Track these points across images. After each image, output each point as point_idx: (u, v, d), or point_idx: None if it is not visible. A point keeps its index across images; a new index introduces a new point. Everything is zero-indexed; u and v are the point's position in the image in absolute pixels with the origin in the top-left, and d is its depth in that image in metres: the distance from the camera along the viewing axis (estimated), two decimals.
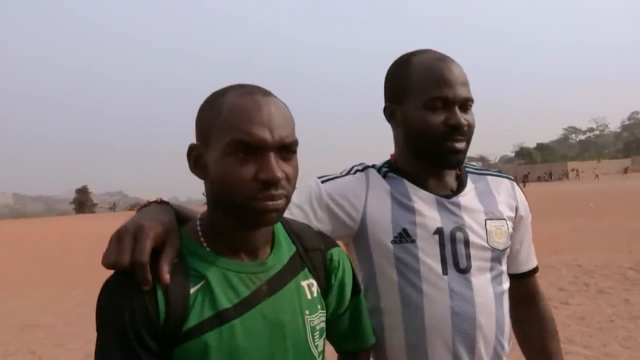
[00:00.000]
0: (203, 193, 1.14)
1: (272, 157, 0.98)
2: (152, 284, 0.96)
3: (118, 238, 0.98)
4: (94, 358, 0.96)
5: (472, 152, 1.43)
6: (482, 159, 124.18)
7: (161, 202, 1.11)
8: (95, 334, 0.97)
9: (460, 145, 1.37)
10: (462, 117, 1.35)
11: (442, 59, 1.39)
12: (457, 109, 1.35)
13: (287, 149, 1.01)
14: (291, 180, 1.02)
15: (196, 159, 1.04)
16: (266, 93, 1.03)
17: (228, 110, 0.99)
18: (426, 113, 1.35)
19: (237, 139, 0.97)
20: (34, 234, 33.07)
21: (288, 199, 1.03)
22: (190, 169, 1.05)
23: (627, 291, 6.95)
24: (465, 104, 1.37)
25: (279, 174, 0.98)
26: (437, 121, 1.34)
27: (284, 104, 1.05)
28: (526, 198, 1.57)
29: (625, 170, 72.52)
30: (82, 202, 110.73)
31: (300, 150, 1.04)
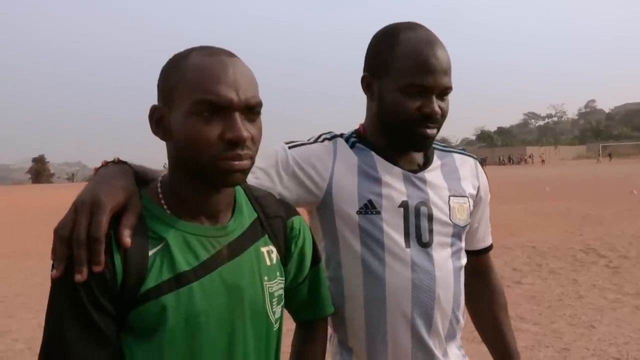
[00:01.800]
0: (165, 165, 1.13)
1: (238, 117, 0.98)
2: (110, 245, 0.95)
3: (75, 210, 0.96)
4: (45, 318, 0.95)
5: None
6: (444, 140, 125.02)
7: (119, 162, 1.08)
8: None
9: (431, 132, 1.36)
10: (437, 105, 1.34)
11: (430, 42, 1.34)
12: (433, 97, 1.33)
13: (252, 110, 1.01)
14: (256, 141, 1.02)
15: (158, 120, 1.03)
16: (231, 54, 1.02)
17: (193, 71, 0.98)
18: (402, 96, 1.33)
19: (203, 98, 0.96)
20: None
21: (253, 160, 1.03)
22: (153, 130, 1.04)
23: (575, 272, 7.21)
24: (443, 92, 1.35)
25: (245, 134, 0.97)
26: (412, 107, 1.33)
27: (247, 66, 1.04)
28: (487, 178, 1.60)
29: (610, 156, 73.40)
30: (39, 171, 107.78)
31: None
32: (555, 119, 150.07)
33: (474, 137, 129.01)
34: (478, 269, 1.64)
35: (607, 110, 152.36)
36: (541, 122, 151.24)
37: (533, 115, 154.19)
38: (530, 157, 78.26)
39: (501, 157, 79.67)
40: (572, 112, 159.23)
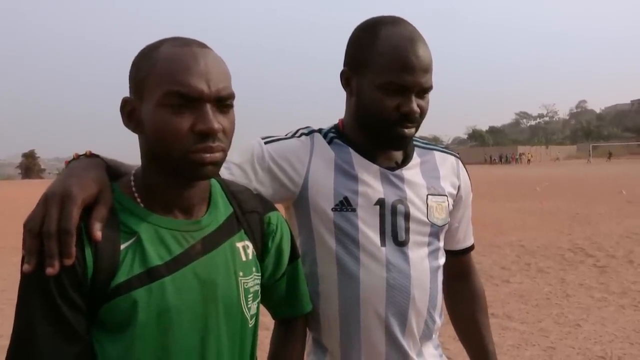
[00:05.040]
0: None
1: (209, 108, 0.96)
2: (81, 238, 0.93)
3: (45, 202, 0.94)
4: (15, 312, 0.93)
5: (426, 132, 1.41)
6: (435, 139, 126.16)
7: (91, 155, 1.07)
8: None
9: (409, 131, 1.34)
10: (416, 104, 1.31)
11: (412, 39, 1.30)
12: (412, 96, 1.30)
13: (224, 102, 0.99)
14: (228, 134, 1.01)
15: (130, 112, 1.01)
16: (202, 45, 1.01)
17: (164, 61, 0.96)
18: (381, 94, 1.30)
19: (173, 89, 0.94)
20: None
21: (225, 152, 1.01)
22: (124, 123, 1.02)
23: (563, 271, 7.25)
24: (423, 91, 1.33)
25: (216, 126, 0.96)
26: (390, 106, 1.30)
27: (220, 57, 1.03)
28: (469, 177, 1.58)
29: (610, 155, 73.42)
30: (29, 167, 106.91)
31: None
32: (546, 118, 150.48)
33: (465, 136, 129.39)
34: (459, 269, 1.62)
35: (597, 111, 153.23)
36: (533, 122, 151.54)
37: (525, 115, 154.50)
38: (520, 156, 79.01)
39: (492, 156, 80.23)
40: (563, 112, 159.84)
